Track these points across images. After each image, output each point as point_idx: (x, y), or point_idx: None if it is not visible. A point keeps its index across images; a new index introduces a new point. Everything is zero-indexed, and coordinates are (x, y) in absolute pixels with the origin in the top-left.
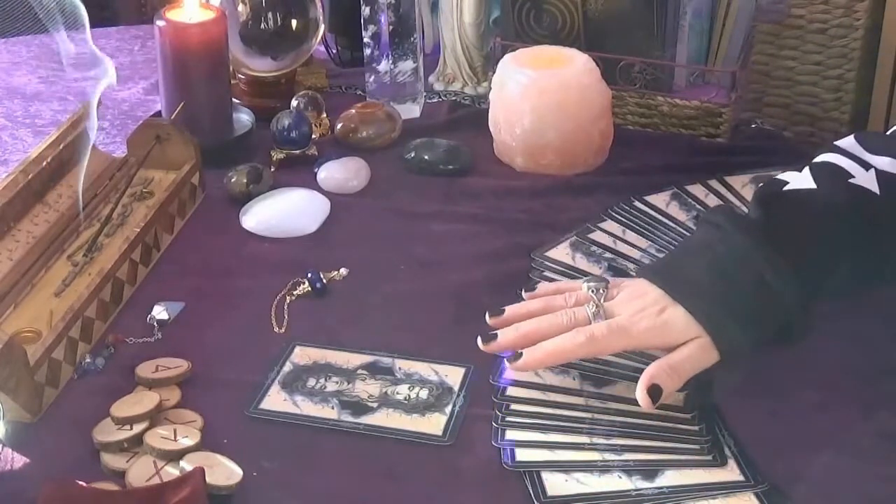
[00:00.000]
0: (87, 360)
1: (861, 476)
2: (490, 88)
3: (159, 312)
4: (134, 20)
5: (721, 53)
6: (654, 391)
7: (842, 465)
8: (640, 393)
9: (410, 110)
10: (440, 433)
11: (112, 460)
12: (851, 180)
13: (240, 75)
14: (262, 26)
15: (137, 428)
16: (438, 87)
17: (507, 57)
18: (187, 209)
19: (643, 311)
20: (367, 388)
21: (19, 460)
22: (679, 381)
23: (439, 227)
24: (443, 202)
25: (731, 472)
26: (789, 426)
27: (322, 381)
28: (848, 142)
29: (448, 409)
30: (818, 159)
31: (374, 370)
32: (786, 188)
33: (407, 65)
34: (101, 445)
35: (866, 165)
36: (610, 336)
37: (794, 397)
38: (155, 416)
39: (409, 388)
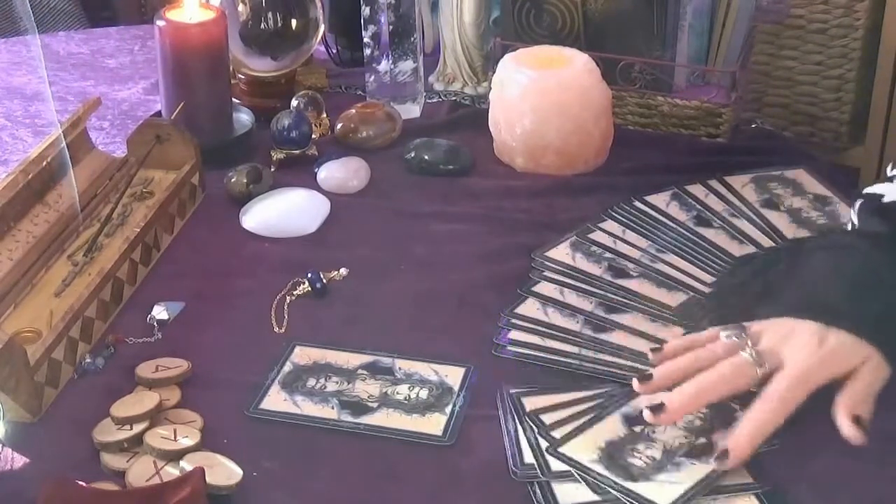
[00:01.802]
0: (87, 360)
1: (861, 476)
2: (490, 88)
3: (159, 312)
4: (134, 20)
5: (721, 53)
6: (860, 422)
7: (842, 465)
8: (847, 427)
9: (410, 110)
10: (440, 433)
11: (112, 460)
12: None
13: (240, 75)
14: (262, 26)
15: (137, 428)
16: (438, 87)
17: (507, 57)
18: (187, 209)
19: (804, 348)
20: (367, 388)
21: (19, 460)
22: (872, 406)
23: (439, 227)
24: (443, 202)
25: (738, 474)
26: (789, 426)
27: (322, 381)
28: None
29: (448, 409)
30: None
31: (374, 370)
32: (885, 200)
33: (407, 65)
34: (101, 445)
35: None
36: (797, 388)
37: None
38: (155, 416)
39: (409, 388)
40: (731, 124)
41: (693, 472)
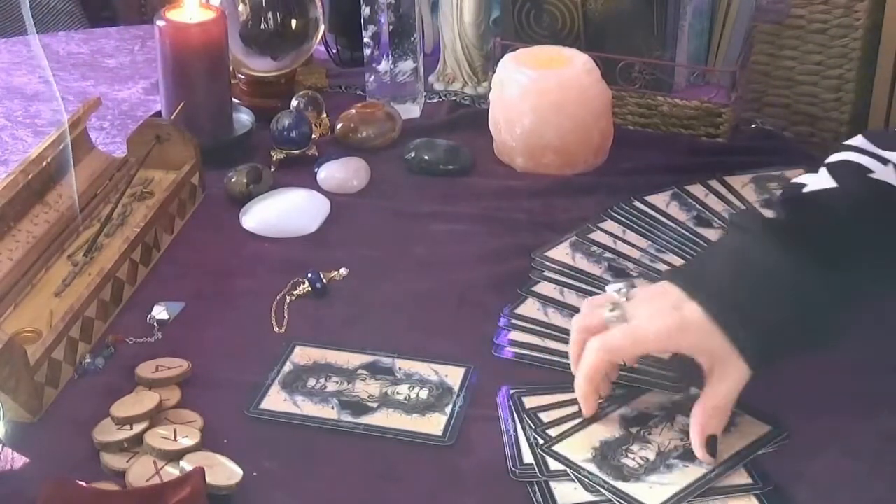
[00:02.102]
0: (87, 360)
1: (861, 476)
2: (490, 88)
3: (159, 312)
4: (134, 20)
5: (721, 53)
6: (711, 443)
7: (842, 465)
8: (700, 451)
9: (410, 110)
10: (440, 433)
11: (112, 460)
12: (871, 175)
13: (240, 75)
14: (262, 26)
15: (137, 428)
16: (438, 87)
17: (507, 57)
18: (187, 209)
19: (660, 310)
20: (367, 389)
21: (19, 460)
22: (726, 417)
23: (439, 227)
24: (443, 202)
25: (739, 475)
26: (790, 426)
27: (322, 381)
28: (858, 140)
29: (448, 409)
30: (833, 158)
31: (374, 370)
32: (805, 190)
33: (407, 65)
34: (101, 445)
35: (883, 160)
36: (624, 342)
37: (794, 398)
38: (155, 416)
39: (409, 389)
40: (731, 124)
41: (685, 475)
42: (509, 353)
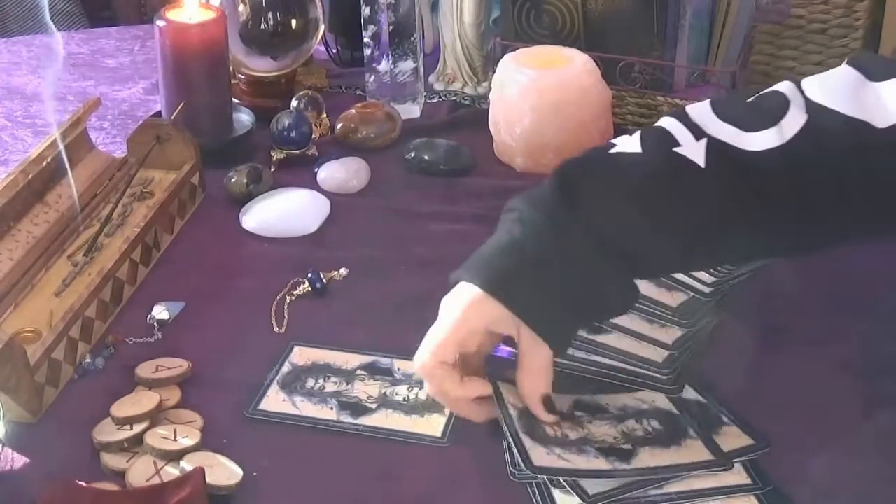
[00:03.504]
0: (87, 360)
1: (861, 476)
2: (490, 88)
3: (159, 312)
4: (134, 20)
5: (721, 53)
6: (549, 403)
7: (842, 465)
8: (540, 412)
9: (410, 110)
10: (439, 434)
11: (112, 460)
12: (676, 148)
13: (240, 75)
14: (262, 26)
15: (137, 428)
16: (438, 87)
17: (507, 57)
18: (187, 209)
19: (451, 304)
20: (366, 389)
21: (19, 460)
22: (548, 376)
23: (439, 227)
24: (443, 202)
25: (739, 476)
26: (789, 426)
27: (321, 381)
28: (699, 107)
29: (447, 410)
30: (657, 123)
31: (373, 371)
32: (611, 150)
33: (407, 65)
34: (101, 445)
35: (700, 134)
36: (428, 343)
37: (794, 398)
38: (155, 416)
39: (408, 389)
40: None
41: (587, 462)
42: (504, 351)
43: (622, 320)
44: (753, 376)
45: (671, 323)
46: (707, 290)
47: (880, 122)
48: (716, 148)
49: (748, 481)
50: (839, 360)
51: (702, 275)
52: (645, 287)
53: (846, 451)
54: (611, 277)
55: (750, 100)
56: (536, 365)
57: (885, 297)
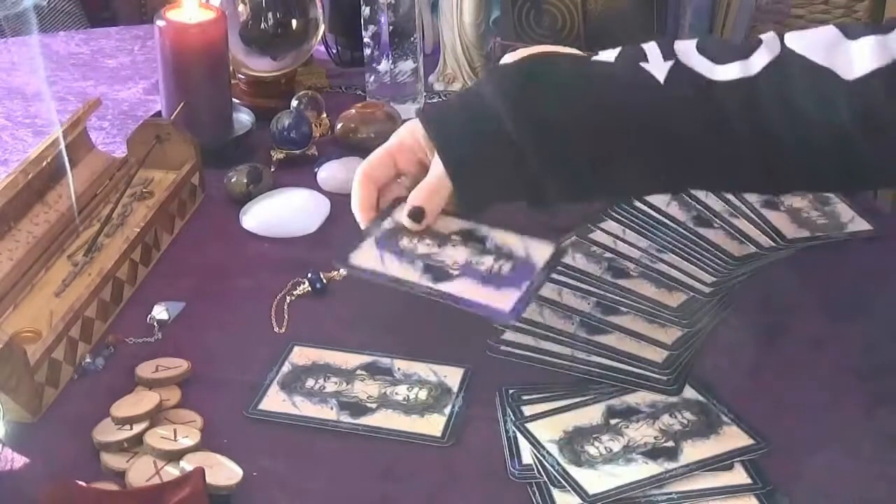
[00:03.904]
0: (87, 360)
1: (861, 476)
2: None
3: (159, 312)
4: (134, 20)
5: None
6: (416, 212)
7: (842, 465)
8: (405, 218)
9: (410, 110)
10: (439, 434)
11: (112, 460)
12: (643, 63)
13: (240, 75)
14: (262, 26)
15: (137, 428)
16: (438, 87)
17: (507, 57)
18: (187, 209)
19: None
20: (365, 389)
21: (19, 460)
22: (439, 199)
23: None
24: None
25: (739, 476)
26: (789, 426)
27: (321, 381)
28: (686, 42)
29: (447, 410)
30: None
31: (372, 371)
32: (593, 57)
33: (407, 65)
34: (101, 445)
35: (669, 55)
36: (377, 151)
37: (794, 398)
38: (155, 416)
39: (407, 389)
40: None
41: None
42: (504, 352)
43: (623, 321)
44: (753, 376)
45: (671, 323)
46: (707, 289)
47: (844, 72)
48: (681, 70)
49: (748, 481)
50: (839, 360)
51: (702, 275)
52: (645, 287)
53: (846, 451)
54: (528, 159)
55: (730, 41)
56: (430, 182)
57: (885, 297)
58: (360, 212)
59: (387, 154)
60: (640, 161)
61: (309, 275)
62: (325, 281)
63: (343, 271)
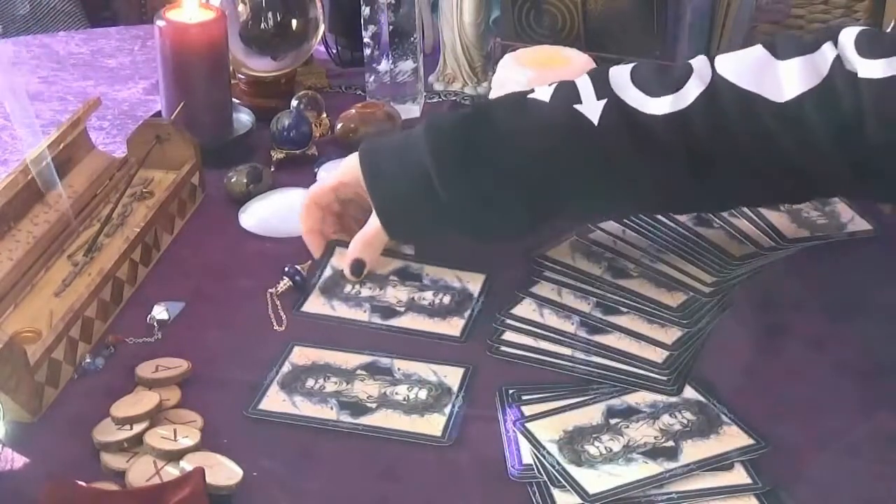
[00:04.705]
0: (87, 360)
1: (861, 476)
2: (490, 88)
3: (159, 312)
4: (134, 20)
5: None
6: (356, 266)
7: (842, 465)
8: (347, 270)
9: (410, 110)
10: (439, 434)
11: (112, 460)
12: (576, 105)
13: (240, 75)
14: (262, 26)
15: (137, 428)
16: (438, 87)
17: (507, 57)
18: (187, 209)
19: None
20: (365, 389)
21: (19, 460)
22: (374, 249)
23: None
24: None
25: (739, 476)
26: (789, 426)
27: (321, 381)
28: (620, 70)
29: (447, 410)
30: (579, 78)
31: (372, 370)
32: (528, 95)
33: (407, 65)
34: (101, 445)
35: (606, 94)
36: (316, 186)
37: (794, 398)
38: (155, 416)
39: (408, 389)
40: None
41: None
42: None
43: (623, 321)
44: (753, 376)
45: (671, 323)
46: (707, 289)
47: (775, 96)
48: (615, 108)
49: (748, 481)
50: (839, 360)
51: (702, 275)
52: (645, 287)
53: (846, 451)
54: (455, 216)
55: (664, 68)
56: (367, 234)
57: (885, 297)
58: (308, 236)
59: (330, 189)
60: (578, 202)
61: (286, 269)
62: (304, 274)
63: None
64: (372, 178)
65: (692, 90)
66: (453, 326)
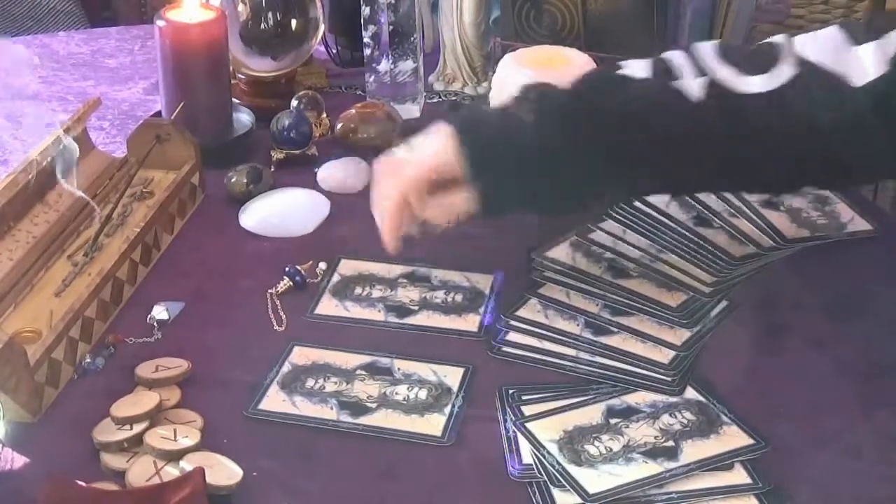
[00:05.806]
0: (87, 360)
1: (861, 476)
2: (490, 88)
3: (159, 312)
4: (134, 20)
5: None
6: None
7: (842, 465)
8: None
9: (410, 110)
10: (439, 434)
11: (112, 460)
12: (672, 82)
13: (240, 75)
14: (262, 26)
15: (137, 428)
16: (438, 87)
17: (507, 57)
18: (187, 209)
19: (433, 138)
20: (365, 389)
21: (19, 460)
22: (448, 219)
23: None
24: None
25: (739, 476)
26: (789, 426)
27: (321, 381)
28: (706, 47)
29: (447, 410)
30: (666, 54)
31: (372, 370)
32: (619, 72)
33: (407, 65)
34: (101, 445)
35: (700, 72)
36: (407, 162)
37: (794, 398)
38: (155, 416)
39: (407, 389)
40: None
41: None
42: (506, 353)
43: (629, 321)
44: (753, 376)
45: (671, 323)
46: (707, 289)
47: (857, 80)
48: (714, 86)
49: (748, 481)
50: (839, 361)
51: (702, 275)
52: (645, 287)
53: (846, 451)
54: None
55: (751, 48)
56: (453, 202)
57: (885, 297)
58: (391, 238)
59: (425, 182)
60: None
61: (287, 269)
62: (303, 274)
63: (323, 265)
64: (476, 169)
65: (784, 69)
66: (470, 322)
